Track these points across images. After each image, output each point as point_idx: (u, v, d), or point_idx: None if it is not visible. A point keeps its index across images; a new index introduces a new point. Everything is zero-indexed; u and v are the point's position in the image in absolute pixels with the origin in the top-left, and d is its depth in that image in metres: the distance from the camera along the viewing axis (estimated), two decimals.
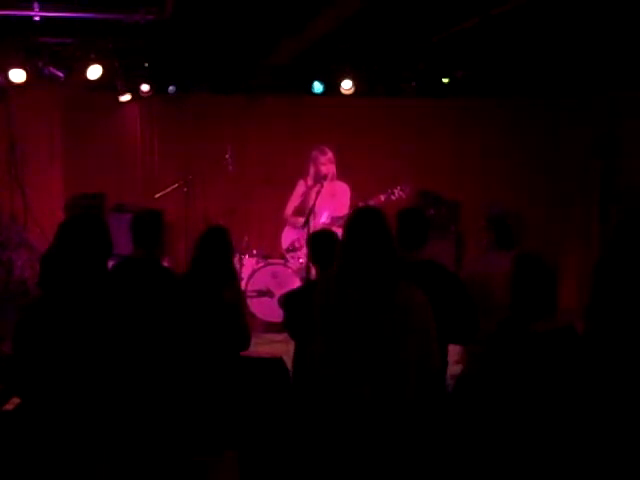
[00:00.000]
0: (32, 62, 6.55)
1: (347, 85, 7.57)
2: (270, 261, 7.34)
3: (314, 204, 6.63)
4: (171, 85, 7.63)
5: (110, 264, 3.52)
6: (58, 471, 2.79)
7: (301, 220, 6.74)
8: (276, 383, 4.33)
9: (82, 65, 6.62)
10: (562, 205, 8.48)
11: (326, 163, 6.92)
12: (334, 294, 2.91)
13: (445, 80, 7.75)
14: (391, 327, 2.81)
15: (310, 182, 7.06)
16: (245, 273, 7.11)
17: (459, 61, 7.47)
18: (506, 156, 8.43)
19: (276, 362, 4.52)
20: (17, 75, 6.50)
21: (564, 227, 8.45)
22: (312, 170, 7.02)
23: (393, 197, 6.66)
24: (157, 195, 7.34)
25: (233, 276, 3.99)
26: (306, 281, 5.96)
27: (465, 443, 2.98)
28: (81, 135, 7.92)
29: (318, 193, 6.68)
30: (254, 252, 7.43)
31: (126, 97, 7.65)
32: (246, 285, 7.01)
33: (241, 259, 7.08)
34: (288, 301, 4.12)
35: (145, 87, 7.48)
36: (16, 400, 3.46)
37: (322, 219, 6.84)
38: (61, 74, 6.87)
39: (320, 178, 6.88)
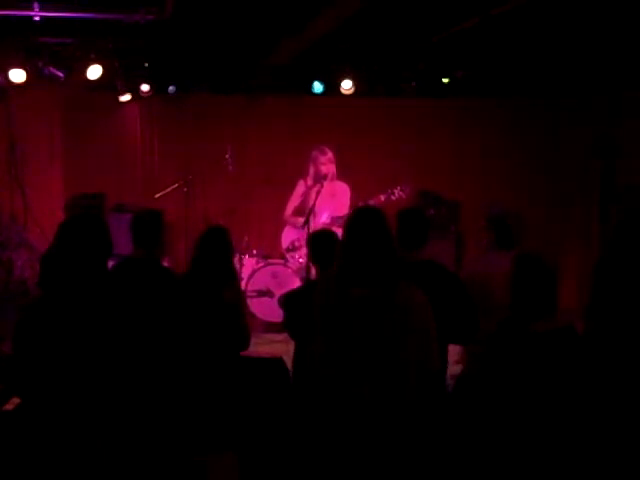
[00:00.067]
0: (32, 62, 6.55)
1: (347, 85, 7.58)
2: (270, 261, 7.34)
3: (314, 204, 6.63)
4: (171, 85, 7.63)
5: (110, 264, 3.52)
6: (58, 471, 2.79)
7: (301, 220, 6.74)
8: (276, 383, 4.33)
9: (82, 65, 6.62)
10: (562, 205, 8.48)
11: (326, 163, 6.92)
12: (334, 294, 2.91)
13: (445, 80, 7.75)
14: (391, 327, 2.81)
15: (310, 182, 7.06)
16: (245, 273, 7.11)
17: (459, 61, 7.48)
18: (506, 156, 8.43)
19: (276, 362, 4.52)
20: (17, 75, 6.50)
21: (564, 227, 8.45)
22: (312, 170, 7.02)
23: (393, 197, 6.66)
24: (157, 195, 7.34)
25: (233, 276, 3.99)
26: (306, 281, 5.96)
27: (465, 443, 2.98)
28: (81, 135, 7.92)
29: (318, 193, 6.68)
30: (254, 252, 7.43)
31: (126, 97, 7.65)
32: (246, 285, 7.01)
33: (241, 259, 7.08)
34: (288, 301, 4.12)
35: (145, 87, 7.48)
36: (16, 400, 3.46)
37: (322, 219, 6.84)
38: (61, 74, 6.87)
39: (320, 178, 6.88)
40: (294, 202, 7.18)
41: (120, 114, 8.16)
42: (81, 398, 2.80)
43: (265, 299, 7.13)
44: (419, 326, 2.84)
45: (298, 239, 7.06)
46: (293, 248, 7.12)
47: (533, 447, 2.78)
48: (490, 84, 7.94)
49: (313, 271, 5.03)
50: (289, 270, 7.14)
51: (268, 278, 7.17)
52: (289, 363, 4.21)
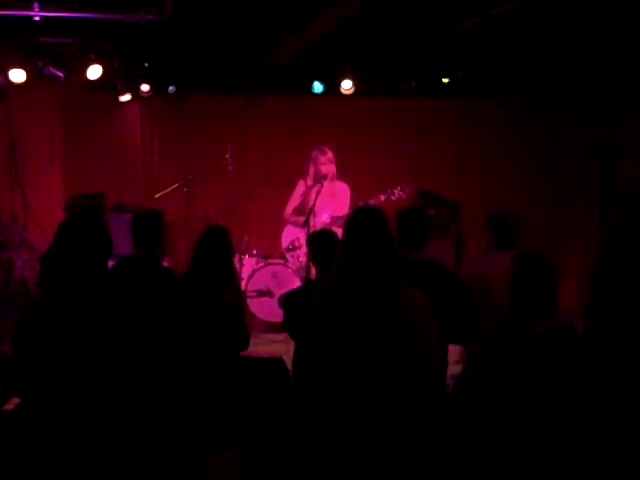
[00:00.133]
0: (32, 62, 6.54)
1: (347, 85, 7.58)
2: (270, 261, 7.34)
3: (314, 204, 6.63)
4: (171, 85, 7.63)
5: (110, 264, 3.52)
6: (58, 471, 2.79)
7: (301, 219, 6.74)
8: (276, 383, 4.33)
9: (82, 65, 6.62)
10: (562, 205, 8.48)
11: (326, 163, 6.92)
12: (334, 294, 2.91)
13: (445, 80, 7.75)
14: (391, 327, 2.81)
15: (310, 182, 7.06)
16: (245, 273, 7.11)
17: (459, 61, 7.47)
18: (506, 156, 8.43)
19: (276, 362, 4.52)
20: (17, 75, 6.49)
21: (564, 227, 8.45)
22: (312, 170, 7.02)
23: (393, 197, 6.66)
24: (157, 195, 7.35)
25: (233, 276, 3.99)
26: (306, 281, 5.96)
27: (465, 443, 2.98)
28: (81, 135, 7.92)
29: (318, 193, 6.68)
30: (254, 252, 7.43)
31: (126, 97, 7.65)
32: (246, 285, 7.01)
33: (241, 259, 7.08)
34: (288, 301, 4.12)
35: (145, 87, 7.48)
36: (16, 400, 3.46)
37: (322, 219, 6.84)
38: (61, 74, 6.87)
39: (320, 178, 6.88)
40: (294, 202, 7.18)
41: (120, 114, 8.16)
42: (81, 398, 2.80)
43: (265, 299, 7.13)
44: (419, 326, 2.84)
45: (298, 238, 7.06)
46: (293, 247, 7.11)
47: (533, 447, 2.78)
48: (490, 84, 7.94)
49: (313, 271, 5.03)
50: (289, 270, 7.14)
51: (268, 278, 7.17)
52: (289, 363, 4.21)
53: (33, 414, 2.85)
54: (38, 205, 7.26)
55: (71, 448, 2.79)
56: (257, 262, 7.33)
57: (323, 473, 2.91)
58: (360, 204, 6.03)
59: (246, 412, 3.85)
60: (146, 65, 7.24)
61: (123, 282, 3.78)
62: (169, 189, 7.41)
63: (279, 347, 5.86)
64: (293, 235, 7.15)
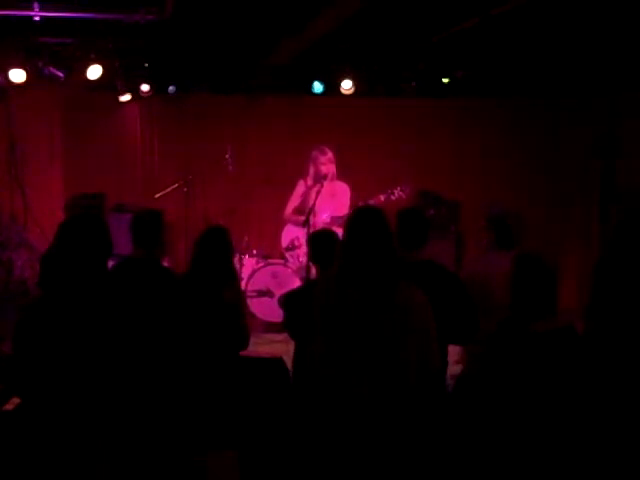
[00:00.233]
0: (32, 62, 6.54)
1: (347, 85, 7.57)
2: (270, 261, 7.34)
3: (314, 204, 6.63)
4: (171, 85, 7.63)
5: (110, 264, 3.52)
6: (58, 471, 2.79)
7: (302, 219, 6.74)
8: (276, 383, 4.33)
9: (82, 65, 6.62)
10: (562, 205, 8.48)
11: (326, 163, 6.92)
12: (334, 294, 2.91)
13: (445, 80, 7.75)
14: (391, 327, 2.81)
15: (310, 182, 7.06)
16: (245, 273, 7.11)
17: (459, 61, 7.47)
18: (506, 156, 8.43)
19: (276, 362, 4.52)
20: (17, 75, 6.49)
21: (564, 227, 8.45)
22: (312, 170, 7.02)
23: (393, 197, 6.66)
24: (157, 195, 7.35)
25: (233, 276, 3.99)
26: (306, 281, 5.96)
27: (465, 443, 2.98)
28: (81, 135, 7.92)
29: (318, 193, 6.68)
30: (254, 252, 7.43)
31: (126, 97, 7.65)
32: (246, 285, 7.01)
33: (241, 259, 7.08)
34: (288, 301, 4.12)
35: (145, 87, 7.48)
36: (16, 400, 3.46)
37: (322, 219, 6.84)
38: (61, 74, 6.87)
39: (320, 178, 6.88)
40: (294, 202, 7.18)
41: (120, 114, 8.16)
42: (81, 398, 2.80)
43: (265, 299, 7.13)
44: (419, 326, 2.84)
45: (297, 238, 7.06)
46: (292, 247, 7.11)
47: (533, 447, 2.78)
48: (490, 84, 7.94)
49: (313, 271, 5.03)
50: (289, 270, 7.14)
51: (268, 278, 7.17)
52: (289, 363, 4.21)
53: (33, 414, 2.85)
54: (38, 205, 7.26)
55: (71, 448, 2.79)
56: (257, 262, 7.33)
57: (323, 473, 2.90)
58: (360, 204, 6.04)
59: (246, 412, 3.85)
60: (146, 65, 7.24)
61: (123, 282, 3.78)
62: (169, 189, 7.41)
63: (279, 347, 5.86)
64: (293, 235, 7.15)
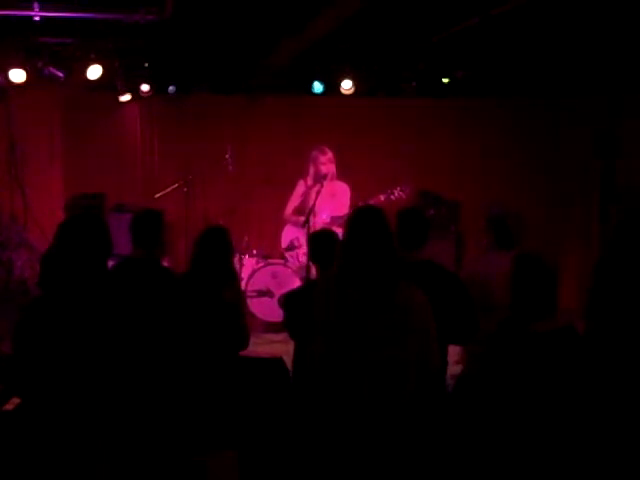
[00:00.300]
0: (32, 62, 6.54)
1: (347, 85, 7.57)
2: (270, 261, 7.34)
3: (314, 204, 6.63)
4: (171, 85, 7.63)
5: (110, 264, 3.52)
6: (58, 471, 2.79)
7: (302, 219, 6.75)
8: (276, 383, 4.33)
9: (82, 65, 6.61)
10: (562, 205, 8.48)
11: (326, 163, 6.92)
12: (334, 294, 2.91)
13: (445, 80, 7.75)
14: (391, 327, 2.81)
15: (310, 182, 7.06)
16: (245, 273, 7.11)
17: (459, 61, 7.47)
18: (506, 156, 8.44)
19: (276, 362, 4.52)
20: (17, 75, 6.49)
21: (564, 227, 8.45)
22: (312, 170, 7.02)
23: (393, 197, 6.67)
24: (157, 195, 7.35)
25: (233, 276, 3.99)
26: (306, 281, 5.96)
27: (465, 443, 2.98)
28: (81, 135, 7.93)
29: (318, 193, 6.68)
30: (254, 252, 7.43)
31: (126, 97, 7.65)
32: (246, 285, 7.01)
33: (241, 259, 7.08)
34: (288, 301, 4.12)
35: (145, 87, 7.48)
36: (16, 400, 3.46)
37: (322, 219, 6.84)
38: (61, 74, 6.87)
39: (320, 178, 6.88)
40: (294, 202, 7.18)
41: (120, 114, 8.16)
42: (81, 398, 2.80)
43: (265, 299, 7.13)
44: (419, 326, 2.84)
45: (297, 238, 7.06)
46: (292, 247, 7.12)
47: (533, 447, 2.78)
48: (490, 84, 7.93)
49: (313, 271, 5.03)
50: (289, 270, 7.14)
51: (268, 278, 7.17)
52: (289, 363, 4.21)
53: (33, 414, 2.85)
54: (38, 205, 7.26)
55: (71, 448, 2.79)
56: (257, 262, 7.33)
57: (323, 473, 2.90)
58: (360, 204, 6.03)
59: (246, 412, 3.85)
60: (146, 65, 7.23)
61: (123, 282, 3.77)
62: (169, 189, 7.41)
63: (279, 347, 5.87)
64: (293, 235, 7.15)
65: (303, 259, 6.67)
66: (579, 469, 2.78)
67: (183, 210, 7.40)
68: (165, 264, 4.55)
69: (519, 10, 5.24)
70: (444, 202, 7.87)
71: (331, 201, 6.96)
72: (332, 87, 7.68)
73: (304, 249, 6.60)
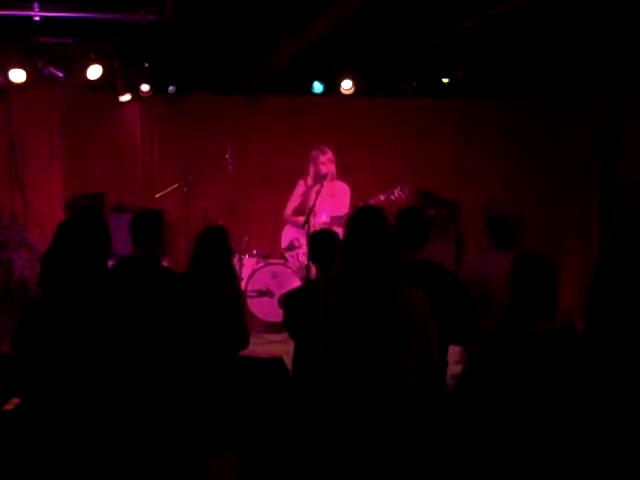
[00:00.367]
0: (32, 62, 6.55)
1: (347, 85, 7.57)
2: (270, 261, 7.34)
3: (314, 204, 6.63)
4: (171, 85, 7.63)
5: (110, 264, 3.52)
6: (58, 471, 2.79)
7: (301, 219, 6.75)
8: (276, 383, 4.33)
9: (82, 65, 6.62)
10: (562, 205, 8.48)
11: (326, 163, 6.93)
12: (334, 294, 2.91)
13: (445, 80, 7.75)
14: (391, 327, 2.80)
15: (310, 182, 7.06)
16: (245, 273, 7.11)
17: (459, 61, 7.47)
18: (506, 156, 8.43)
19: (276, 362, 4.52)
20: (17, 75, 6.50)
21: (564, 227, 8.45)
22: (312, 170, 7.02)
23: (393, 197, 6.67)
24: (157, 195, 7.35)
25: (233, 276, 3.99)
26: (306, 281, 5.96)
27: (465, 443, 2.98)
28: (81, 135, 7.93)
29: (318, 193, 6.68)
30: (254, 252, 7.43)
31: (126, 97, 7.64)
32: (246, 285, 7.01)
33: (241, 259, 7.08)
34: (288, 301, 4.12)
35: (145, 87, 7.48)
36: (16, 400, 3.46)
37: (322, 219, 6.84)
38: (61, 74, 6.87)
39: (320, 178, 6.88)
40: (294, 202, 7.19)
41: (120, 114, 8.16)
42: (81, 398, 2.80)
43: (265, 299, 7.13)
44: (419, 326, 2.84)
45: (297, 238, 7.06)
46: (292, 247, 7.12)
47: (533, 447, 2.78)
48: (490, 84, 7.93)
49: (313, 271, 5.03)
50: (289, 270, 7.14)
51: (268, 278, 7.17)
52: (289, 363, 4.21)
53: (33, 414, 2.85)
54: (38, 205, 7.26)
55: (71, 448, 2.79)
56: (257, 262, 7.33)
57: (323, 473, 2.90)
58: (360, 204, 6.03)
59: (246, 412, 3.85)
60: (146, 65, 7.23)
61: (123, 282, 3.77)
62: (169, 189, 7.41)
63: (279, 347, 5.87)
64: (292, 235, 7.15)
65: (303, 259, 6.67)
66: (579, 469, 2.78)
67: (183, 210, 7.40)
68: (165, 264, 4.54)
69: (519, 10, 5.24)
70: (444, 202, 7.86)
71: (331, 201, 6.96)
72: (332, 87, 7.68)
73: (304, 249, 6.60)
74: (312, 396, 2.98)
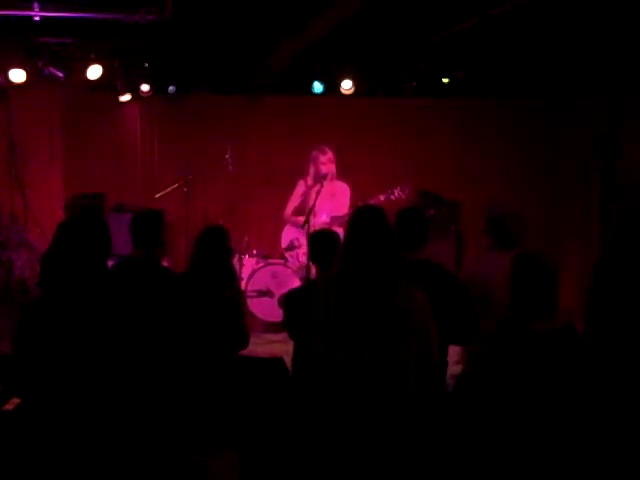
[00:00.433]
0: (32, 62, 6.55)
1: (347, 85, 7.58)
2: (270, 261, 7.34)
3: (314, 204, 6.63)
4: (171, 85, 7.63)
5: (110, 264, 3.52)
6: (58, 471, 2.79)
7: (301, 219, 6.75)
8: (276, 383, 4.33)
9: (82, 65, 6.62)
10: (562, 205, 8.48)
11: (326, 163, 6.92)
12: (334, 294, 2.91)
13: (445, 80, 7.75)
14: (391, 327, 2.81)
15: (310, 182, 7.06)
16: (245, 273, 7.11)
17: (459, 61, 7.47)
18: (506, 156, 8.43)
19: (276, 362, 4.52)
20: (17, 75, 6.50)
21: (564, 227, 8.45)
22: (312, 170, 7.02)
23: (393, 197, 6.67)
24: (157, 195, 7.35)
25: (233, 276, 3.99)
26: (306, 281, 5.96)
27: (465, 443, 2.98)
28: (81, 135, 7.92)
29: (318, 193, 6.68)
30: (254, 252, 7.43)
31: (126, 97, 7.65)
32: (246, 285, 7.01)
33: (241, 259, 7.08)
34: (288, 301, 4.12)
35: (145, 87, 7.48)
36: (16, 400, 3.46)
37: (322, 219, 6.84)
38: (61, 74, 6.87)
39: (320, 178, 6.88)
40: (294, 202, 7.18)
41: (120, 114, 8.16)
42: (81, 398, 2.80)
43: (265, 299, 7.13)
44: (419, 326, 2.84)
45: (297, 238, 7.06)
46: (292, 247, 7.11)
47: (533, 447, 2.78)
48: (490, 84, 7.93)
49: (313, 271, 5.03)
50: (289, 270, 7.14)
51: (268, 278, 7.17)
52: (289, 363, 4.21)
53: (33, 414, 2.85)
54: (38, 205, 7.26)
55: (71, 448, 2.79)
56: (257, 262, 7.33)
57: (323, 473, 2.90)
58: (360, 204, 6.03)
59: (246, 412, 3.85)
60: (146, 65, 7.24)
61: (123, 282, 3.77)
62: (169, 189, 7.41)
63: (279, 347, 5.86)
64: (292, 235, 7.15)
65: (303, 259, 6.66)
66: (579, 469, 2.78)
67: (183, 210, 7.39)
68: (165, 264, 4.54)
69: (519, 10, 5.24)
70: (444, 202, 7.86)
71: (331, 201, 6.96)
72: (332, 87, 7.68)
73: (304, 249, 6.60)
74: (312, 396, 2.98)
